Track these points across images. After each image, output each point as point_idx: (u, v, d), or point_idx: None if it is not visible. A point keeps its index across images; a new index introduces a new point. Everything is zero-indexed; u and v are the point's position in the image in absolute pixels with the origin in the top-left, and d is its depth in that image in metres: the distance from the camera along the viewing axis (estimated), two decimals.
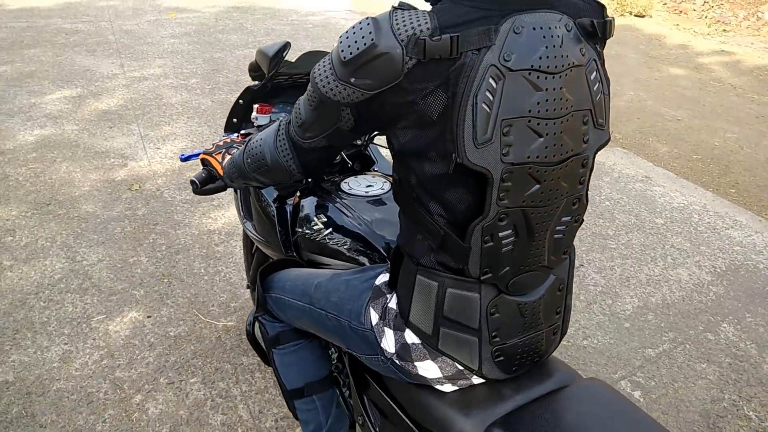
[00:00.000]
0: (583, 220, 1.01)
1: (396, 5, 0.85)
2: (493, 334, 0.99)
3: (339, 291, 1.19)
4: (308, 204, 1.49)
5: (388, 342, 1.07)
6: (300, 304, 1.27)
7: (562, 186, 0.92)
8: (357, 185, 1.50)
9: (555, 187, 0.91)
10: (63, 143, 3.57)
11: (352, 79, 0.85)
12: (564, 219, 0.96)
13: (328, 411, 1.43)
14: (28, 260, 2.53)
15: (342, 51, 0.84)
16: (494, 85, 0.81)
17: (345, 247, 1.35)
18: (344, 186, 1.50)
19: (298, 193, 1.54)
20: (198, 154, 1.49)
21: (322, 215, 1.44)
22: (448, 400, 1.06)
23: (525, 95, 0.83)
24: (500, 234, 0.91)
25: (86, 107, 4.09)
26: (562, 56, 0.84)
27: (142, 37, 5.69)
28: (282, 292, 1.34)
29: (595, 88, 0.90)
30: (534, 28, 0.83)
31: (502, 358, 1.02)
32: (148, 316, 2.24)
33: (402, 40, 0.80)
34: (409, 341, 1.04)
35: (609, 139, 0.95)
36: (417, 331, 1.02)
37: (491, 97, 0.81)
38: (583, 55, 0.87)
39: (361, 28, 0.83)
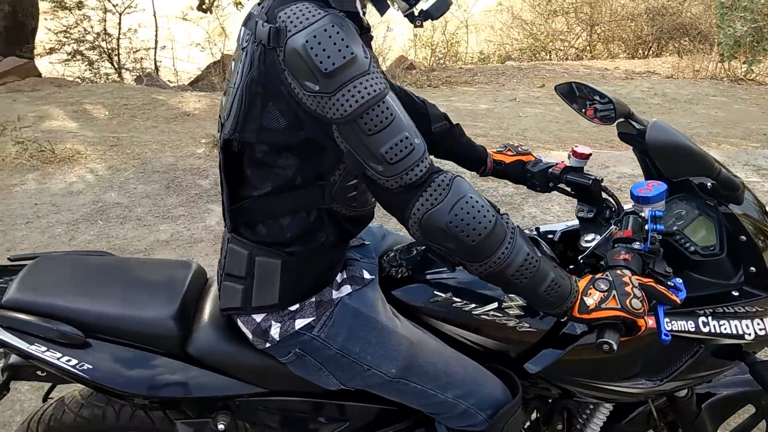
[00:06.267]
0: (236, 218, 1.05)
1: None
2: None
3: None
4: None
5: None
6: None
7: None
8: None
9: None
10: None
11: None
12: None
13: None
14: None
15: None
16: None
17: None
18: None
19: None
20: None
21: None
22: None
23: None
24: None
25: None
26: (244, 34, 0.98)
27: None
28: None
29: (236, 78, 0.97)
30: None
31: None
32: None
33: None
34: None
35: (234, 141, 0.97)
36: None
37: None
38: (246, 41, 0.96)
39: None
